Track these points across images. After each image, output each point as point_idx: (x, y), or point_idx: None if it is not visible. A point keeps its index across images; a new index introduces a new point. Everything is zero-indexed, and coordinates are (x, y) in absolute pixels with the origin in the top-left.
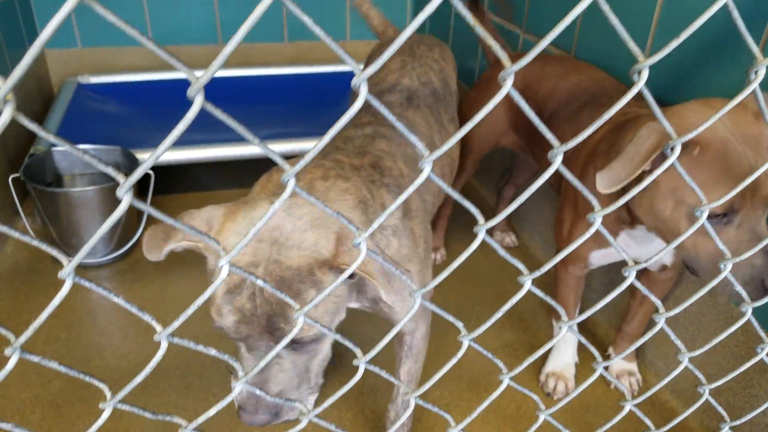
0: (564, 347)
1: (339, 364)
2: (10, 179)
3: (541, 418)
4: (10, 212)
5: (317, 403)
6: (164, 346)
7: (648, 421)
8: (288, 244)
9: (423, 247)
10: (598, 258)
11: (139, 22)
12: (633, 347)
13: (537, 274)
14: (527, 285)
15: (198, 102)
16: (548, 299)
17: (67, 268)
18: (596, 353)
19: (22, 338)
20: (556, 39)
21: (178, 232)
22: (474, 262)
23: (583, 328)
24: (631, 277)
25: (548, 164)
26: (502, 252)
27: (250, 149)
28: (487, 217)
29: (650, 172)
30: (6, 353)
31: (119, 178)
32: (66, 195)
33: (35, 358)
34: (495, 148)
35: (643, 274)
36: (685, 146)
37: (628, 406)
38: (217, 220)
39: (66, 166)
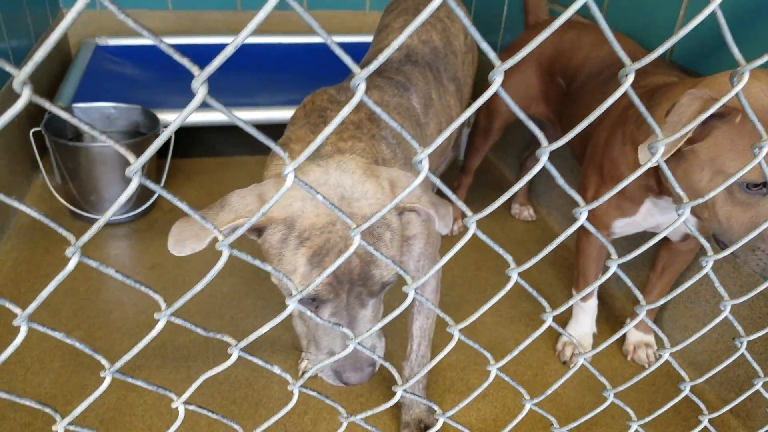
0: (582, 316)
1: None
2: (30, 133)
3: (580, 361)
4: (29, 167)
5: None
6: (226, 254)
7: (683, 373)
8: (355, 196)
9: None
10: (621, 227)
11: None
12: (661, 302)
13: (593, 205)
14: (582, 218)
15: None
16: (598, 234)
17: (135, 164)
18: (640, 296)
19: (84, 239)
20: (584, 9)
21: (228, 213)
22: (491, 235)
23: (600, 300)
24: (685, 214)
25: (580, 141)
26: (560, 181)
27: (266, 114)
28: (505, 189)
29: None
30: (67, 253)
31: (194, 69)
32: (87, 150)
33: (93, 263)
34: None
35: (664, 244)
36: (728, 113)
37: (666, 355)
38: (269, 193)
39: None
